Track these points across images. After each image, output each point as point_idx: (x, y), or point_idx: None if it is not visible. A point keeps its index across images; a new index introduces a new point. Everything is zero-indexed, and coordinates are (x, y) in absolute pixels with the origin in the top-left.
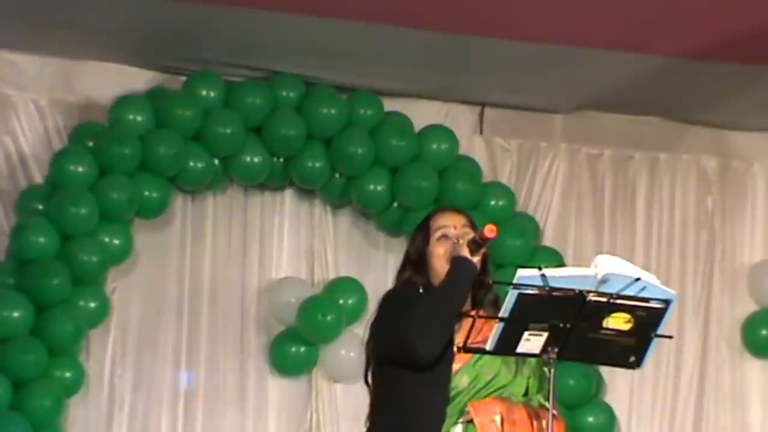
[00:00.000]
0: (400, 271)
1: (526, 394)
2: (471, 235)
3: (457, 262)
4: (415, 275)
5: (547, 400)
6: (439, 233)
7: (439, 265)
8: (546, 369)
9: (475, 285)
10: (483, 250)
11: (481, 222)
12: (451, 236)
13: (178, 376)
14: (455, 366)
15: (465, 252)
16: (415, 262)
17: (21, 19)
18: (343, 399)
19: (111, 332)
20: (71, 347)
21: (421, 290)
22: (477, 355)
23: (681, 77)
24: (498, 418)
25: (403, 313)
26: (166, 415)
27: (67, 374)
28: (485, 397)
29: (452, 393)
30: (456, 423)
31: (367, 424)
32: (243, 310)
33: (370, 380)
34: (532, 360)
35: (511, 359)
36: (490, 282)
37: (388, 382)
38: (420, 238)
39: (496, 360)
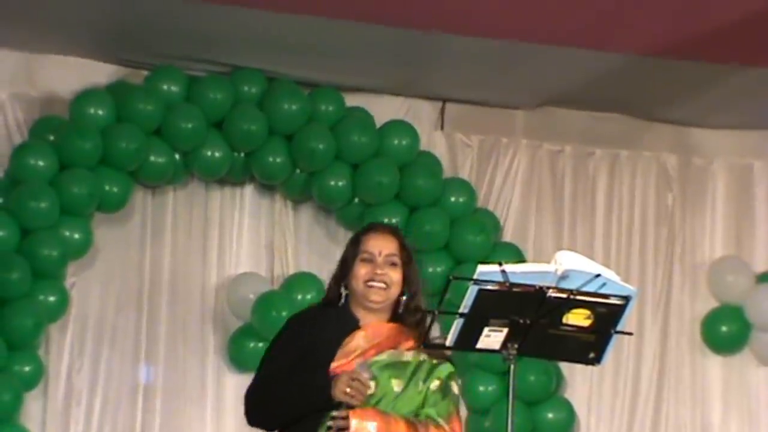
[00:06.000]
0: (331, 278)
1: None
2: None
3: (323, 394)
4: (336, 286)
5: (450, 415)
6: (364, 255)
7: (357, 285)
8: (455, 385)
9: (399, 304)
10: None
11: (440, 220)
12: (374, 262)
13: (136, 371)
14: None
15: (339, 389)
16: (338, 276)
17: None
18: None
19: (70, 327)
20: (30, 341)
21: (342, 301)
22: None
23: (642, 74)
24: (373, 426)
25: (272, 362)
26: (124, 409)
27: (26, 368)
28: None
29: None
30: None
31: None
32: (202, 305)
33: None
34: (440, 376)
35: (404, 372)
36: (417, 305)
37: None
38: (349, 252)
39: (386, 371)
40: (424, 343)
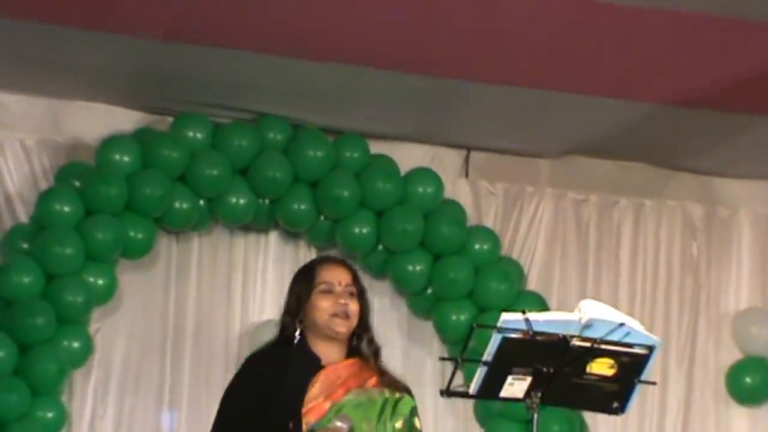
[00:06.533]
0: (283, 314)
1: None
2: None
3: None
4: (292, 322)
5: None
6: (323, 287)
7: (320, 318)
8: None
9: (354, 336)
10: None
11: (464, 267)
12: (335, 293)
13: (160, 417)
14: (311, 419)
15: None
16: (294, 310)
17: (9, 58)
18: None
19: (93, 372)
20: (54, 387)
21: (297, 337)
22: (336, 408)
23: (667, 124)
24: None
25: (237, 407)
26: None
27: (50, 414)
28: None
29: None
30: None
31: None
32: (227, 351)
33: None
34: (403, 413)
35: (373, 412)
36: (372, 337)
37: None
38: (303, 286)
39: (357, 411)
40: (447, 392)
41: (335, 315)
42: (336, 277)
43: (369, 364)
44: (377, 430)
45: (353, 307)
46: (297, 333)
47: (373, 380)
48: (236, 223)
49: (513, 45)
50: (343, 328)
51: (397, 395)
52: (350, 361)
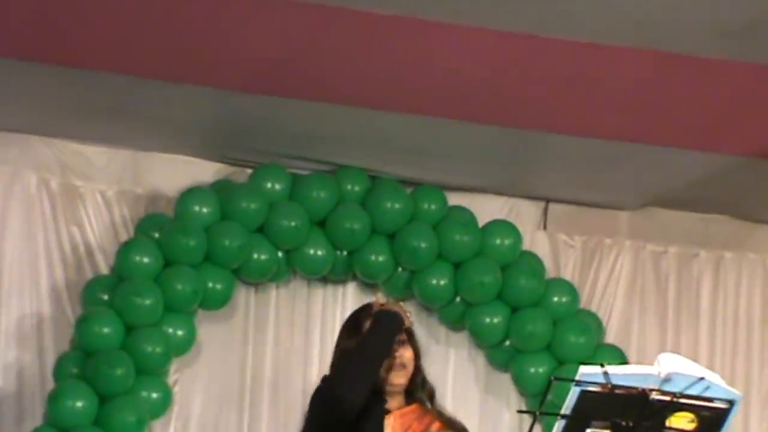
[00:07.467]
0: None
1: None
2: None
3: (379, 314)
4: None
5: None
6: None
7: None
8: None
9: (412, 383)
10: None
11: (542, 320)
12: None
13: None
14: None
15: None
16: None
17: (89, 110)
18: None
19: (172, 424)
20: None
21: None
22: None
23: (748, 176)
24: None
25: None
26: None
27: None
28: None
29: None
30: None
31: None
32: (304, 403)
33: None
34: None
35: None
36: (425, 378)
37: None
38: (356, 339)
39: None
40: None
41: (392, 368)
42: None
43: (428, 408)
44: None
45: (407, 355)
46: None
47: (436, 425)
48: (314, 275)
49: (592, 96)
50: (401, 379)
51: None
52: (412, 407)
